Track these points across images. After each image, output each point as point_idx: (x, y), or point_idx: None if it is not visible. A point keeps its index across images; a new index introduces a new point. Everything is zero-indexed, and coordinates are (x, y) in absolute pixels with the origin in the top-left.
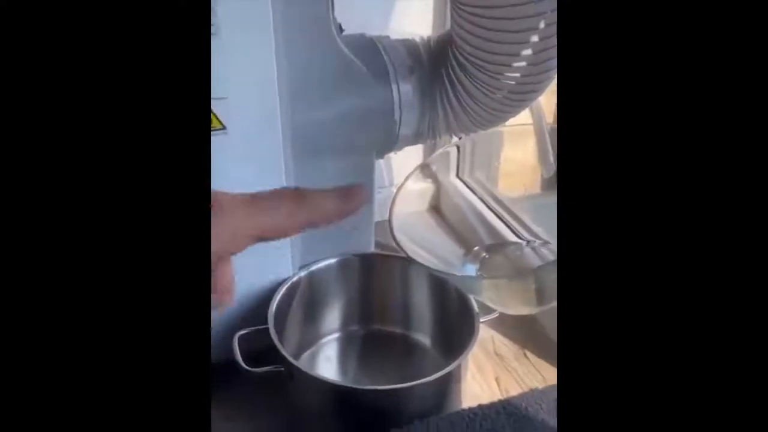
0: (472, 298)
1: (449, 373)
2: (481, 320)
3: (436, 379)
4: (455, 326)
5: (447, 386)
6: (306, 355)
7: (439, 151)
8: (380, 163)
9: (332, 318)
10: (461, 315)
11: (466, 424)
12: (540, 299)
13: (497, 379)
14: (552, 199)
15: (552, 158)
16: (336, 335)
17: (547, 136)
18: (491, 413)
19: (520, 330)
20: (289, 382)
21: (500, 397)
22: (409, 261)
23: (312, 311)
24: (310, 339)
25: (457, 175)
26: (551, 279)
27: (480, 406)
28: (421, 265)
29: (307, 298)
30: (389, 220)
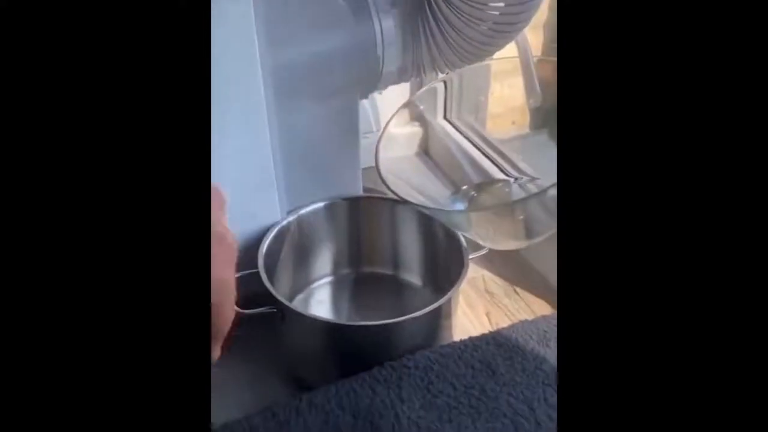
0: (460, 235)
1: (439, 308)
2: (471, 256)
3: (427, 314)
4: (444, 264)
5: (438, 321)
6: (298, 298)
7: (425, 87)
8: (366, 107)
9: (323, 262)
10: (450, 252)
11: (458, 356)
12: (528, 233)
13: (488, 314)
14: (540, 138)
15: (538, 88)
16: (327, 279)
17: (533, 68)
18: (481, 344)
19: (510, 268)
20: (282, 322)
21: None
22: (396, 202)
23: (302, 255)
24: (301, 283)
25: (445, 117)
26: (538, 211)
27: (470, 338)
28: (409, 202)
29: (297, 242)
30: (376, 160)
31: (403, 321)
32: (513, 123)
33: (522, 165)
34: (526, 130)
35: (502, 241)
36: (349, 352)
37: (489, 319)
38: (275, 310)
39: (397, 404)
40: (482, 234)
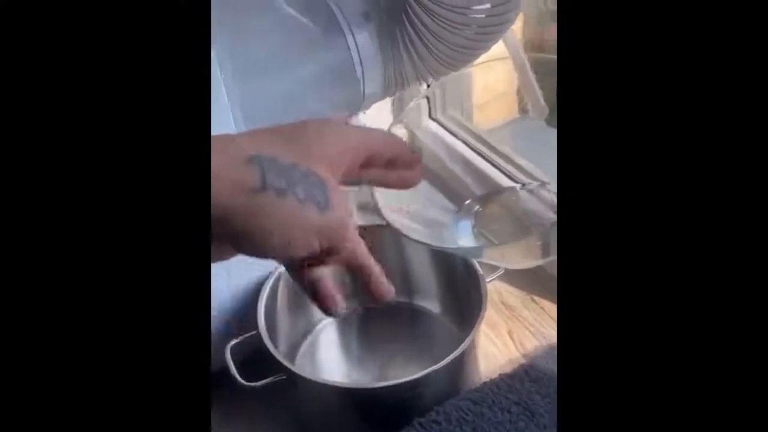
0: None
1: (467, 348)
2: (488, 280)
3: (454, 359)
4: (460, 287)
5: (464, 359)
6: (304, 348)
7: (409, 106)
8: None
9: None
10: (466, 276)
11: (491, 401)
12: (545, 252)
13: (509, 333)
14: (531, 123)
15: (540, 97)
16: (331, 318)
17: (529, 70)
18: (515, 383)
19: (523, 275)
20: (294, 389)
21: (516, 354)
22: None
23: (300, 298)
24: (304, 329)
25: (430, 116)
26: (555, 233)
27: (501, 376)
28: (417, 241)
29: (293, 286)
30: (372, 194)
31: (429, 373)
32: (500, 115)
33: (523, 163)
34: (515, 114)
35: (518, 262)
36: (372, 414)
37: (512, 338)
38: (284, 377)
39: None
40: (497, 258)
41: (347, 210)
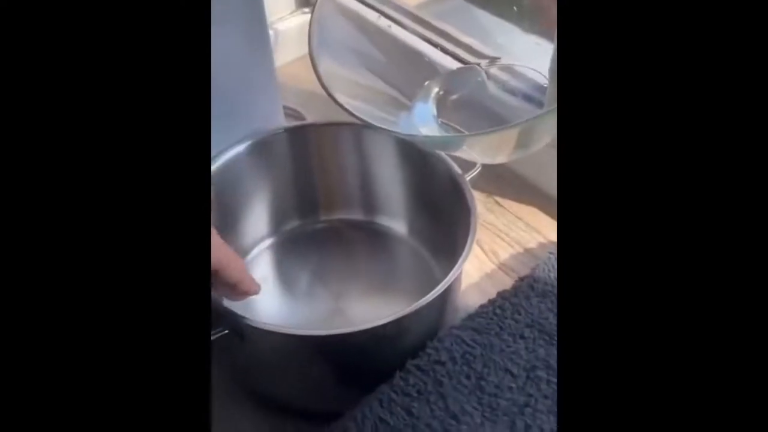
0: (443, 155)
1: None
2: (468, 177)
3: (440, 294)
4: (434, 197)
5: (450, 289)
6: None
7: None
8: None
9: (257, 220)
10: (443, 185)
11: (499, 327)
12: (518, 148)
13: (478, 242)
14: (455, 2)
15: None
16: (269, 241)
17: None
18: (521, 302)
19: (481, 176)
20: (241, 343)
21: (491, 265)
22: (359, 128)
23: (230, 219)
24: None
25: None
26: (539, 128)
27: (502, 296)
28: (381, 129)
29: (219, 203)
30: (315, 70)
31: (412, 313)
32: None
33: (466, 40)
34: None
35: (495, 156)
36: (341, 366)
37: (482, 249)
38: (226, 331)
39: (451, 425)
40: (468, 151)
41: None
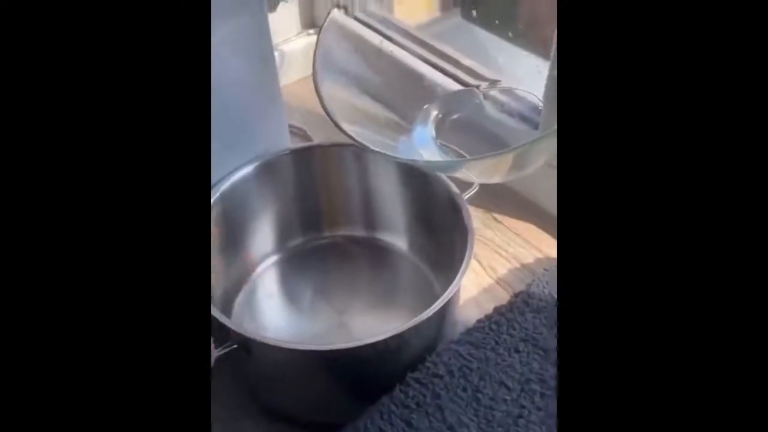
0: (443, 176)
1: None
2: (465, 196)
3: (440, 309)
4: (433, 217)
5: (449, 303)
6: (242, 295)
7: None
8: None
9: (263, 238)
10: (442, 203)
11: (494, 341)
12: (515, 169)
13: (476, 257)
14: (455, 21)
15: None
16: (275, 258)
17: None
18: (516, 317)
19: (480, 193)
20: (248, 357)
21: (489, 280)
22: (358, 147)
23: (238, 236)
24: (242, 272)
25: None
26: (534, 151)
27: (498, 311)
28: (381, 154)
29: (227, 223)
30: (319, 96)
31: (412, 328)
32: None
33: (466, 62)
34: (437, 13)
35: (492, 177)
36: (344, 379)
37: (480, 264)
38: (235, 346)
39: None
40: (467, 174)
41: None
